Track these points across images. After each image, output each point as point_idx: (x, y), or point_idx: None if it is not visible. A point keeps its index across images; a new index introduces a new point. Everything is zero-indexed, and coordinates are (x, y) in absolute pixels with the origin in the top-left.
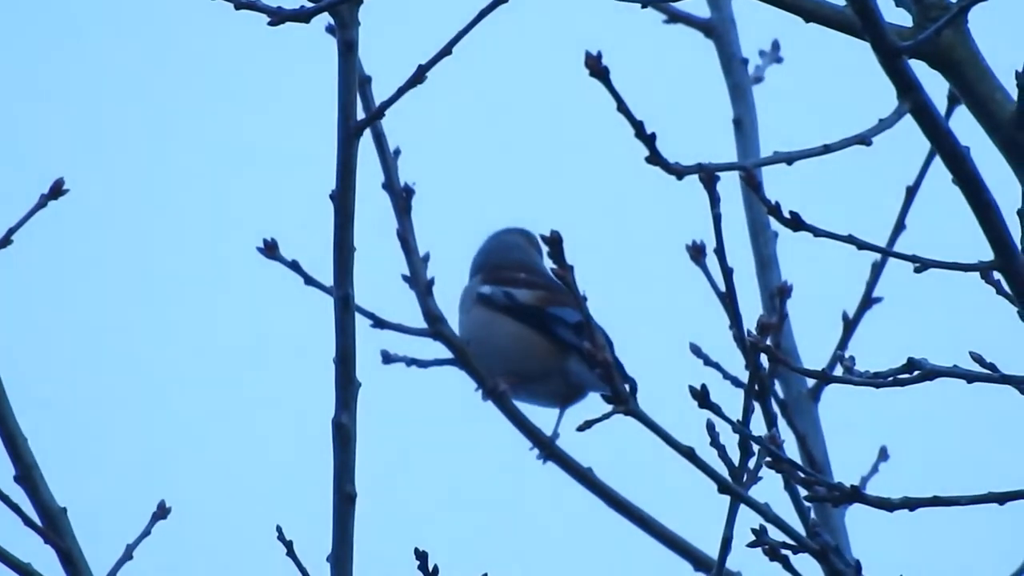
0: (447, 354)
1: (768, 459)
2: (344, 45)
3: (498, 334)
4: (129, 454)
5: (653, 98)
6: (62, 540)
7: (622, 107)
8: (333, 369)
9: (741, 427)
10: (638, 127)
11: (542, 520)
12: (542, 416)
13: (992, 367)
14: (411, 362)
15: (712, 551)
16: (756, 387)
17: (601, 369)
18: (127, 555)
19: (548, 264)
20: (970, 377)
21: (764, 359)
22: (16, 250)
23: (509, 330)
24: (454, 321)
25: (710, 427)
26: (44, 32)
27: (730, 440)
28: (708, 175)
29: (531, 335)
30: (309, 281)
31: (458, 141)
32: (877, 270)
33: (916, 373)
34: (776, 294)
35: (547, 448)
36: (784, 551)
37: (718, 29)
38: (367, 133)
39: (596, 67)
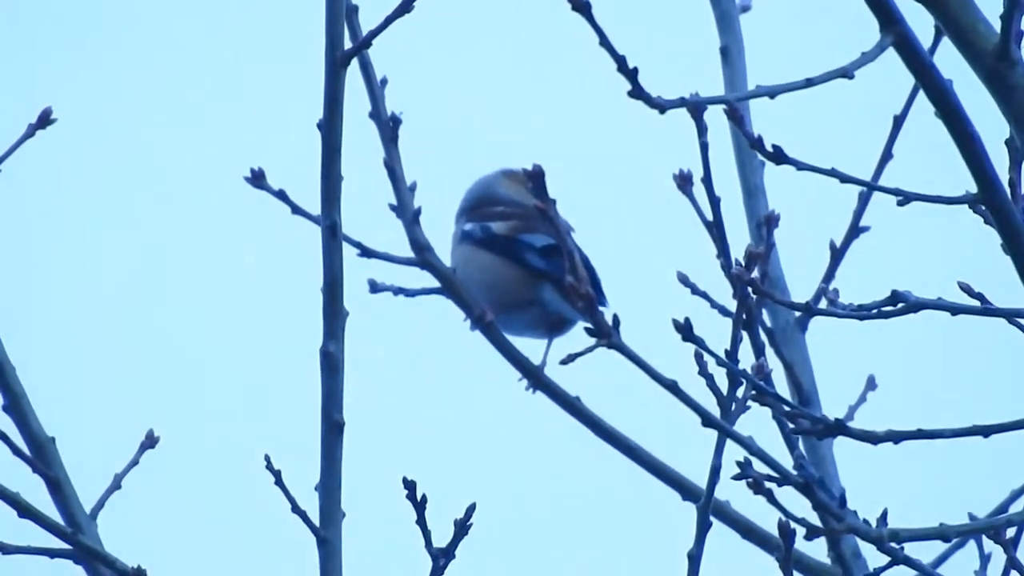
0: (434, 283)
1: (753, 392)
2: None
3: (476, 267)
4: (117, 384)
5: (640, 28)
6: (50, 469)
7: (604, 42)
8: (320, 298)
9: (727, 361)
10: (620, 62)
11: (530, 450)
12: (531, 347)
13: (981, 297)
14: (398, 291)
15: (700, 481)
16: (743, 317)
17: (583, 302)
18: (116, 484)
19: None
20: (954, 310)
21: (751, 290)
22: (5, 179)
23: (484, 262)
24: (443, 252)
25: (698, 356)
26: None
27: (719, 370)
28: (693, 107)
29: (504, 265)
30: (296, 210)
31: (445, 71)
32: (863, 200)
33: (900, 306)
34: (763, 223)
35: (535, 378)
36: (768, 484)
37: None
38: (354, 62)
39: (578, 1)
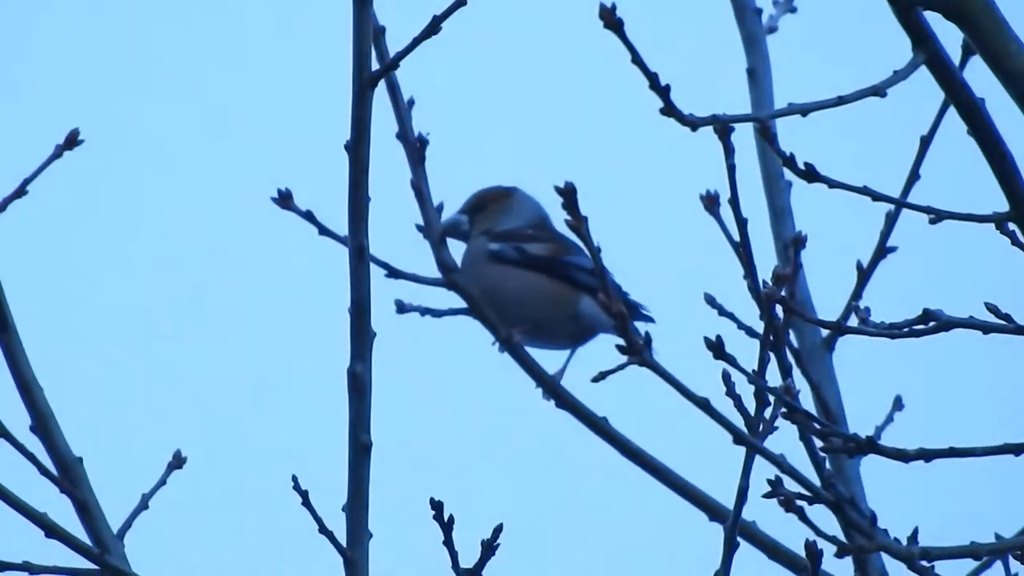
0: (461, 304)
1: (783, 410)
2: None
3: (513, 285)
4: (145, 404)
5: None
6: (78, 490)
7: (636, 59)
8: (348, 319)
9: (756, 378)
10: (652, 79)
11: (557, 469)
12: (554, 360)
13: (1007, 317)
14: (425, 312)
15: (727, 501)
16: (771, 337)
17: (616, 320)
18: (143, 505)
19: (561, 215)
20: (986, 328)
21: (779, 309)
22: (32, 200)
23: (523, 279)
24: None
25: (726, 377)
26: None
27: (746, 390)
28: (723, 126)
29: (546, 282)
30: (324, 231)
31: (472, 92)
32: (891, 220)
33: (932, 324)
34: (790, 244)
35: (549, 387)
36: (799, 502)
37: None
38: (381, 84)
39: (610, 19)
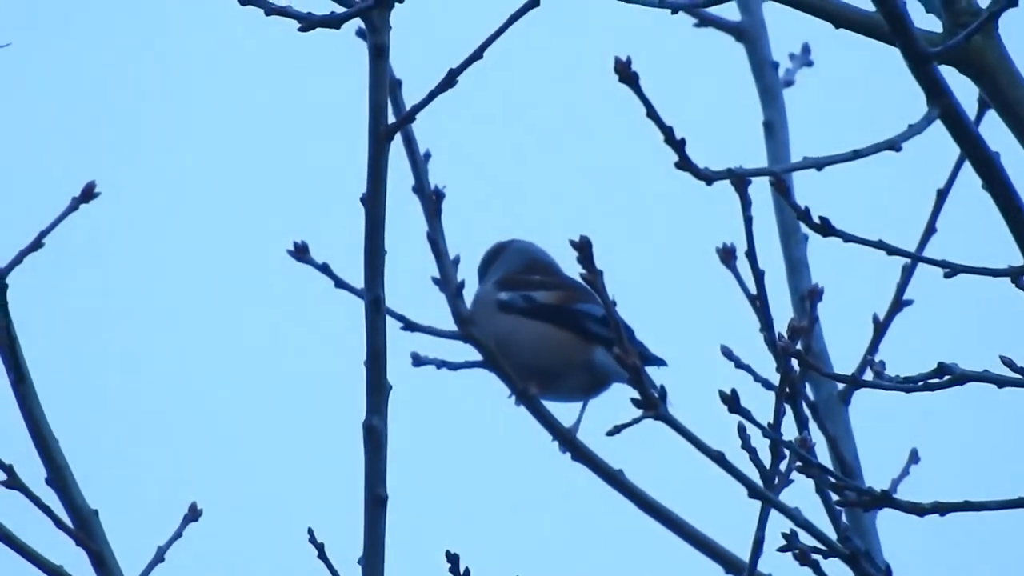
0: (477, 356)
1: (799, 463)
2: (375, 49)
3: (523, 336)
4: (160, 456)
5: (684, 102)
6: (93, 542)
7: (651, 113)
8: (364, 371)
9: (771, 432)
10: (667, 132)
11: (573, 522)
12: (568, 413)
13: (1023, 371)
14: (441, 364)
15: (743, 554)
16: (787, 390)
17: (631, 373)
18: (159, 557)
19: (576, 269)
20: (1001, 382)
21: (795, 362)
22: (48, 252)
23: (534, 330)
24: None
25: (741, 430)
26: (79, 39)
27: (761, 442)
28: (739, 178)
29: (556, 332)
30: (340, 284)
31: (488, 145)
32: (907, 273)
33: (946, 378)
34: (807, 297)
35: (567, 440)
36: (815, 556)
37: (749, 33)
38: (397, 137)
39: (625, 72)
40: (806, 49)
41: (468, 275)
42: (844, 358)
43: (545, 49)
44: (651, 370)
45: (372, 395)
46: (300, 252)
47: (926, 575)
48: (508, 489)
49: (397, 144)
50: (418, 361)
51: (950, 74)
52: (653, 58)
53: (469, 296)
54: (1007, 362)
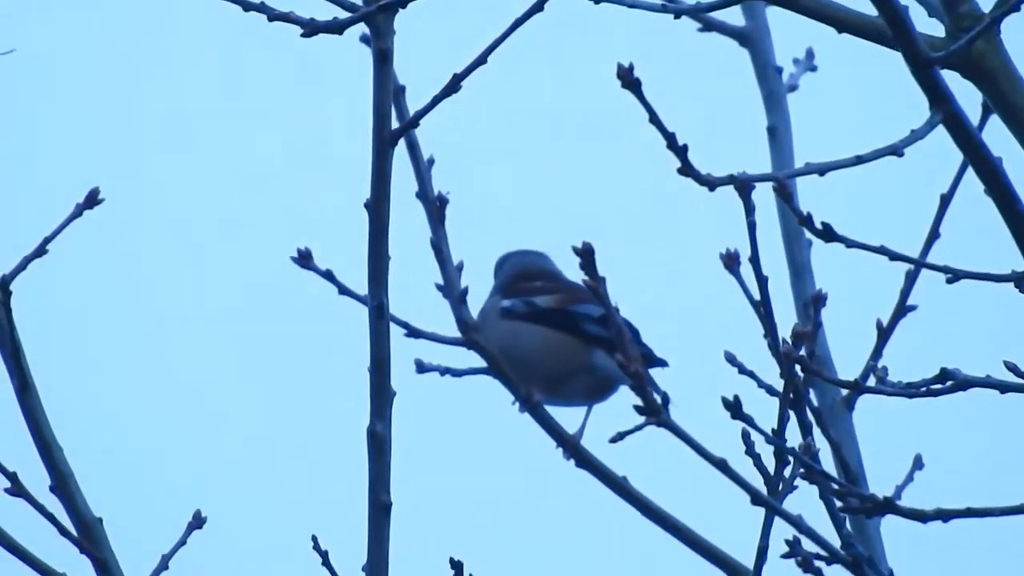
0: (481, 363)
1: (802, 470)
2: (379, 55)
3: (524, 341)
4: (164, 463)
5: (688, 106)
6: (98, 550)
7: (654, 119)
8: (368, 378)
9: (775, 439)
10: (670, 138)
11: (577, 529)
12: (572, 419)
13: None
14: (445, 371)
15: (747, 560)
16: (790, 396)
17: (633, 380)
18: (163, 565)
19: (580, 276)
20: (1004, 387)
21: (798, 368)
22: (52, 259)
23: (534, 334)
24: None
25: (745, 436)
26: (83, 45)
27: (765, 448)
28: (742, 184)
29: (556, 335)
30: (343, 290)
31: (492, 150)
32: (911, 278)
33: (949, 383)
34: (810, 303)
35: (572, 447)
36: (817, 562)
37: (752, 38)
38: (401, 142)
39: (628, 78)
40: (810, 54)
41: (472, 281)
42: (848, 364)
43: (549, 54)
44: (655, 374)
45: (376, 401)
46: (304, 259)
47: None
48: (512, 496)
49: (401, 150)
50: (422, 368)
51: (952, 79)
52: (657, 63)
53: (473, 302)
54: (1011, 367)
